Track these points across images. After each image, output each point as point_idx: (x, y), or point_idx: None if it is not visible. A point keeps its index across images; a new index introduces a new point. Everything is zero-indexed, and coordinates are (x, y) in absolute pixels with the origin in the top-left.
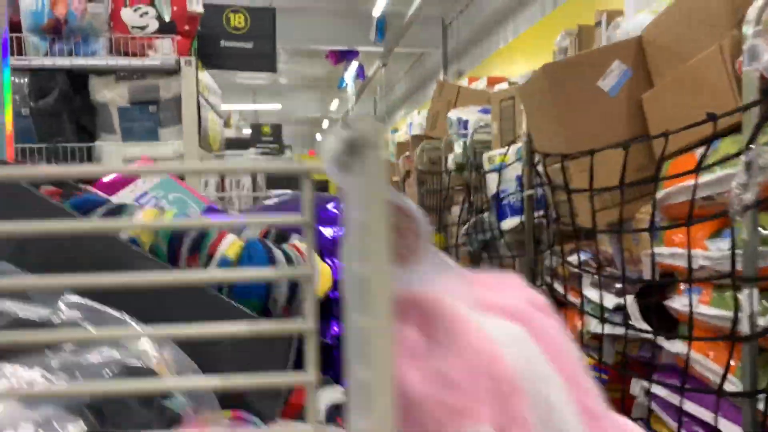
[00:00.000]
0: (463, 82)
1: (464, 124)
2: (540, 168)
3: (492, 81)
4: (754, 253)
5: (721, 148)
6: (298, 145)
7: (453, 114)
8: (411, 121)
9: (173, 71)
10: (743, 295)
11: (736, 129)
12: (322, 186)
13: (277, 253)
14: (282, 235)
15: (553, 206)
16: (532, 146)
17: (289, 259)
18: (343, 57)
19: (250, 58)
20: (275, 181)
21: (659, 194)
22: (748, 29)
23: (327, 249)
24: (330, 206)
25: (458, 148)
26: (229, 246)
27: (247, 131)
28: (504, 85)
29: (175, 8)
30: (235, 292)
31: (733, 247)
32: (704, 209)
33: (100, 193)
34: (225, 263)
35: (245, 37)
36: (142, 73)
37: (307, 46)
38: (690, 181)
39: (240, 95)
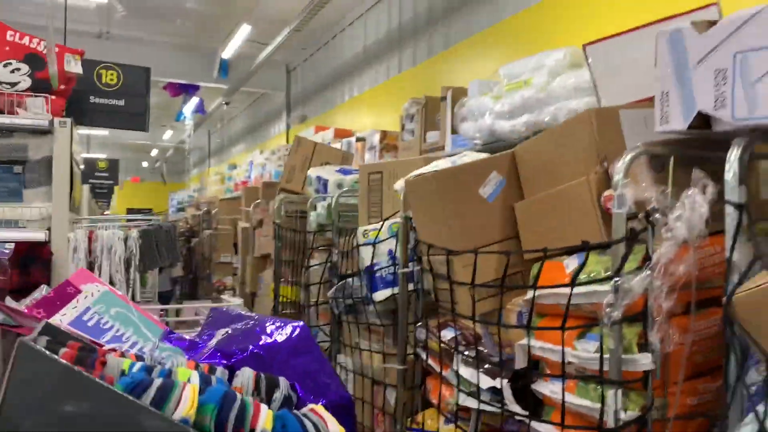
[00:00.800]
0: (309, 129)
1: (324, 183)
2: (419, 252)
3: (339, 133)
4: (619, 359)
5: (588, 263)
6: (122, 171)
7: (312, 172)
8: (252, 160)
9: (45, 131)
10: (608, 393)
11: (599, 246)
12: None
13: (309, 425)
14: (272, 381)
15: (433, 292)
16: (416, 234)
17: (317, 429)
18: (182, 90)
19: (121, 115)
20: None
21: (532, 293)
22: (617, 179)
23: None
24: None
25: (321, 209)
26: (266, 419)
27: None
28: (352, 139)
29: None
30: None
31: (601, 352)
32: (571, 313)
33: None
34: None
35: (117, 94)
36: (10, 131)
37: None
38: (562, 289)
39: None
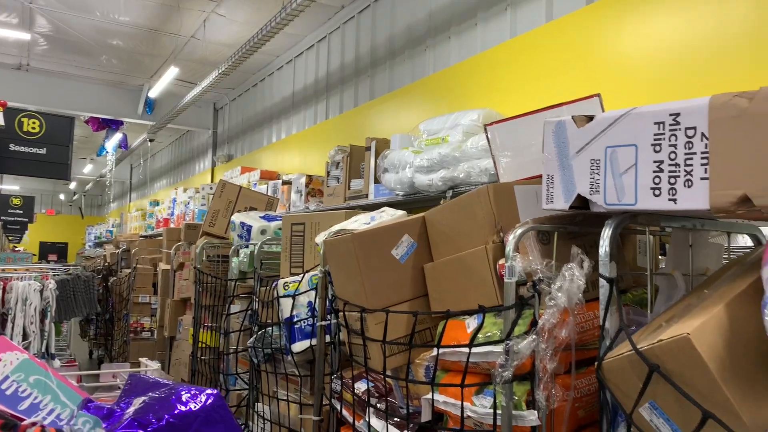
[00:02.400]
0: (236, 169)
1: (248, 229)
2: (336, 306)
3: (266, 175)
4: (509, 416)
5: (486, 323)
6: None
7: (237, 218)
8: (175, 197)
9: None
10: None
11: (494, 309)
12: None
13: None
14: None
15: (348, 346)
16: (333, 288)
17: None
18: (105, 125)
19: (42, 164)
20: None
21: (436, 352)
22: (508, 250)
23: None
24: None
25: (243, 256)
26: None
27: None
28: (278, 182)
29: None
30: None
31: (495, 408)
32: (471, 369)
33: None
34: None
35: (38, 142)
36: None
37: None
38: (462, 348)
39: None
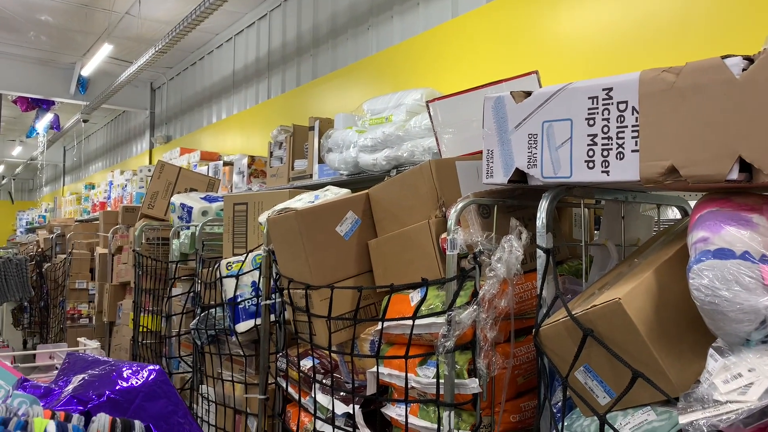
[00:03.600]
0: (175, 150)
1: (188, 211)
2: (281, 285)
3: (206, 156)
4: (452, 384)
5: (429, 296)
6: None
7: (176, 199)
8: (112, 180)
9: None
10: (444, 414)
11: (436, 282)
12: None
13: None
14: (128, 425)
15: (293, 324)
16: (277, 267)
17: None
18: (35, 105)
19: None
20: None
21: (381, 325)
22: (450, 224)
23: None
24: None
25: (184, 238)
26: None
27: None
28: (219, 163)
29: None
30: None
31: (437, 378)
32: (414, 341)
33: None
34: None
35: None
36: None
37: None
38: (405, 321)
39: None
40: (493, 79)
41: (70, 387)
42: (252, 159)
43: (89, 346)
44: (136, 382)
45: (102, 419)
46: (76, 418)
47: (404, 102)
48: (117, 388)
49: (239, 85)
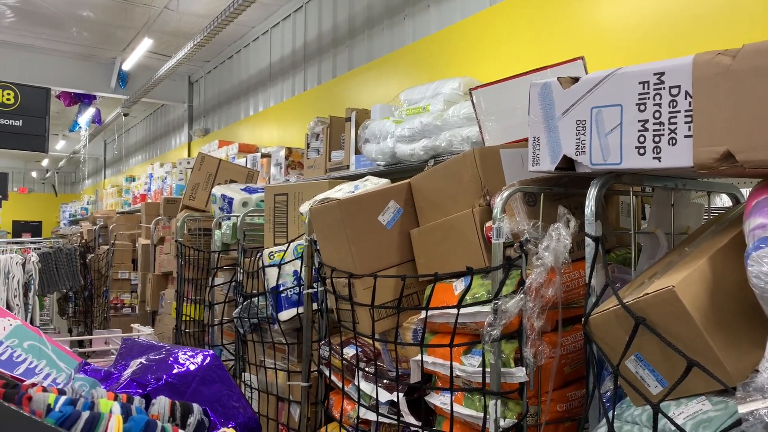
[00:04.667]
0: (213, 143)
1: (229, 202)
2: (323, 274)
3: (244, 148)
4: (498, 373)
5: (473, 285)
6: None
7: (217, 191)
8: (152, 173)
9: None
10: (490, 403)
11: (482, 271)
12: None
13: None
14: (187, 408)
15: (336, 312)
16: (320, 257)
17: None
18: (78, 99)
19: (19, 136)
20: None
21: (425, 314)
22: (495, 212)
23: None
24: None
25: (226, 228)
26: None
27: None
28: (257, 155)
29: None
30: None
31: (483, 366)
32: (459, 330)
33: None
34: None
35: (14, 114)
36: None
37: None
38: (450, 310)
39: None
40: (532, 68)
41: (129, 371)
42: (289, 151)
43: (143, 332)
44: (192, 367)
45: (162, 402)
46: (138, 401)
47: (442, 91)
48: (174, 372)
49: (276, 77)
